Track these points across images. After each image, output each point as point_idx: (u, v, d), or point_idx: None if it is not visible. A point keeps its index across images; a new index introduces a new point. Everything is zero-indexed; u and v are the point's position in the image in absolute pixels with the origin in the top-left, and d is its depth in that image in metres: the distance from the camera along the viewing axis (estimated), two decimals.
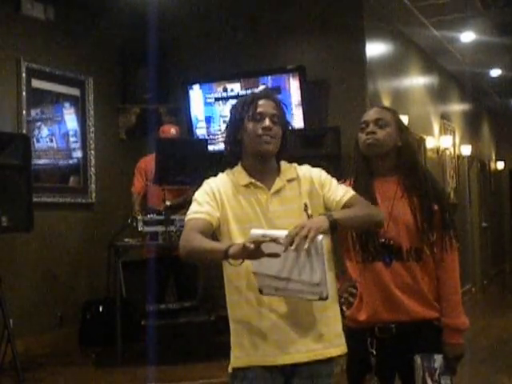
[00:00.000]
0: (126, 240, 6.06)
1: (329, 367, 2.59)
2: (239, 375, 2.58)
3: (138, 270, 6.40)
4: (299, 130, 7.07)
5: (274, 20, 7.53)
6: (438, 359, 2.64)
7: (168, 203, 6.10)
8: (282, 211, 2.59)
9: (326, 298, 2.40)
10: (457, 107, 12.00)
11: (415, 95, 9.23)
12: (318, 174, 2.71)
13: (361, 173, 2.93)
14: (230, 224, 2.58)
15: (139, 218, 5.89)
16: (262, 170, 2.64)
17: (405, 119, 7.79)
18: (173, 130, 6.77)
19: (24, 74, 6.52)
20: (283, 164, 2.70)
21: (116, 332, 5.82)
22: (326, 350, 2.57)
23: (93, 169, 7.24)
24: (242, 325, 2.59)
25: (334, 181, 2.71)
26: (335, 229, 2.46)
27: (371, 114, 2.94)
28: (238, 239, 2.50)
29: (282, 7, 7.45)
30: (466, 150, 11.81)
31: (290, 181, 2.65)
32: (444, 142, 10.33)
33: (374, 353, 2.78)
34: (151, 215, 5.97)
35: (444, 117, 10.60)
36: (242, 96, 2.95)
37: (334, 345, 2.59)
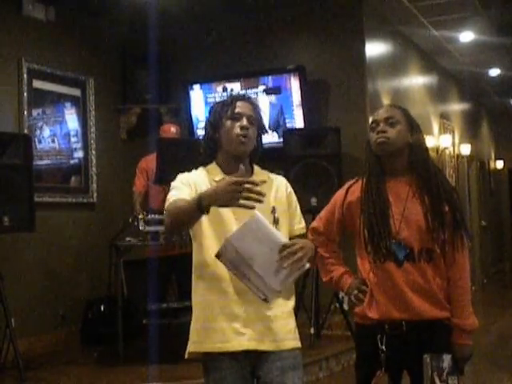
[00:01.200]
0: (128, 239, 6.04)
1: (293, 354, 2.74)
2: (208, 363, 2.73)
3: (139, 270, 6.37)
4: (299, 130, 7.08)
5: (274, 20, 7.55)
6: (447, 359, 2.63)
7: None
8: (249, 211, 2.56)
9: (267, 302, 2.61)
10: (456, 107, 12.00)
11: (415, 95, 9.23)
12: (291, 192, 2.88)
13: (373, 173, 2.92)
14: (208, 215, 2.59)
15: (140, 217, 5.88)
16: (236, 168, 2.63)
17: None
18: (173, 129, 6.77)
19: (25, 75, 6.52)
20: (256, 168, 2.86)
21: (117, 331, 5.81)
22: (293, 341, 2.75)
23: (94, 169, 7.25)
24: (200, 310, 2.73)
25: (299, 207, 2.89)
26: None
27: (381, 113, 2.93)
28: (209, 232, 2.69)
29: (282, 7, 7.45)
30: (466, 149, 11.81)
31: (261, 182, 2.69)
32: (443, 141, 10.32)
33: (384, 349, 2.78)
34: (152, 215, 5.97)
35: (443, 116, 10.60)
36: None
37: (293, 338, 2.76)
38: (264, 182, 2.77)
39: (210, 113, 2.88)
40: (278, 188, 2.84)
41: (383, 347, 2.78)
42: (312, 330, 6.33)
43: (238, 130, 2.73)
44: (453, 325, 2.84)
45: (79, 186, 7.12)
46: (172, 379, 5.30)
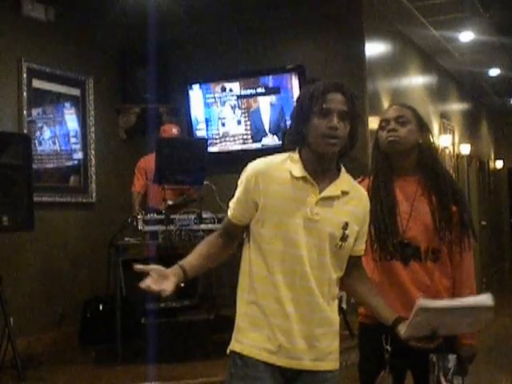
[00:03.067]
0: (127, 239, 6.03)
1: (333, 378, 2.56)
2: (239, 362, 2.52)
3: None
4: None
5: (273, 20, 7.54)
6: (452, 359, 2.63)
7: (170, 202, 6.10)
8: (323, 218, 2.46)
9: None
10: (456, 106, 12.01)
11: (414, 95, 9.23)
12: (369, 210, 2.61)
13: (381, 171, 2.91)
14: (269, 212, 2.47)
15: (139, 217, 5.87)
16: (320, 167, 2.49)
17: None
18: (174, 130, 6.77)
19: (25, 74, 6.49)
20: (343, 172, 2.57)
21: (116, 330, 5.79)
22: (329, 363, 2.54)
23: (93, 168, 7.22)
24: (251, 311, 2.51)
25: (368, 226, 2.64)
26: None
27: (391, 112, 2.92)
28: (273, 228, 2.46)
29: (281, 7, 7.45)
30: (465, 149, 11.82)
31: (343, 192, 2.50)
32: (443, 141, 10.33)
33: (389, 349, 2.77)
34: (151, 214, 5.97)
35: (443, 116, 10.60)
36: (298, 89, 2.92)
37: (334, 359, 2.56)
38: (345, 193, 2.50)
39: (297, 102, 2.54)
40: (358, 203, 2.56)
41: (388, 347, 2.76)
42: None
43: (325, 130, 2.41)
44: None
45: (78, 185, 7.10)
46: (170, 378, 5.28)
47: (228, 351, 2.56)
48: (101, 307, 6.68)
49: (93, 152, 7.24)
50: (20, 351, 5.50)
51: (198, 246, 2.61)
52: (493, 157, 15.31)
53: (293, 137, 2.54)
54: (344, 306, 6.81)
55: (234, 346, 2.54)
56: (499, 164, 15.51)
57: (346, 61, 7.27)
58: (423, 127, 2.93)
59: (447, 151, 10.64)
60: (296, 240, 2.43)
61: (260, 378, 2.46)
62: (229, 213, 2.57)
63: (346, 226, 2.48)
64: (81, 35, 7.17)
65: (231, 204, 2.56)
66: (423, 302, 2.47)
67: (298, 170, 2.47)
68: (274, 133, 7.26)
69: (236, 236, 2.60)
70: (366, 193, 2.64)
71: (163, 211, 5.94)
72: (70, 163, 7.05)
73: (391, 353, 2.76)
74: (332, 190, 2.48)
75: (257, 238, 2.50)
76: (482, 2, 7.68)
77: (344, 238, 2.48)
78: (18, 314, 5.86)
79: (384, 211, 2.83)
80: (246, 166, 2.57)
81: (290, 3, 7.40)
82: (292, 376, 2.50)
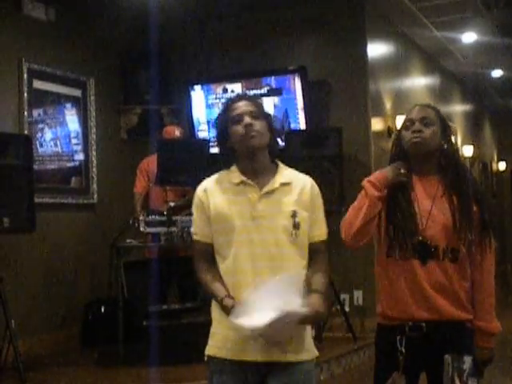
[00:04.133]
0: (128, 241, 6.02)
1: (306, 367, 2.68)
2: (214, 366, 2.68)
3: (139, 271, 6.36)
4: (300, 131, 7.06)
5: (275, 21, 7.53)
6: (468, 361, 2.62)
7: (171, 204, 6.09)
8: (270, 213, 2.64)
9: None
10: (458, 108, 11.99)
11: (417, 96, 9.19)
12: (317, 195, 2.75)
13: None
14: (217, 222, 2.67)
15: (141, 218, 5.87)
16: (256, 169, 2.69)
17: None
18: (177, 132, 6.76)
19: (25, 75, 6.47)
20: (281, 166, 2.75)
21: (118, 332, 5.79)
22: (301, 354, 2.65)
23: (94, 169, 7.20)
24: (221, 316, 2.65)
25: (322, 211, 2.76)
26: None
27: (416, 113, 2.89)
28: (228, 233, 2.63)
29: (283, 7, 7.43)
30: (468, 150, 11.80)
31: (283, 184, 2.68)
32: None
33: (403, 351, 2.75)
34: (153, 216, 5.95)
35: (446, 117, 10.56)
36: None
37: (306, 349, 2.68)
38: (287, 184, 2.68)
39: (215, 124, 2.80)
40: (302, 190, 2.70)
41: (402, 348, 2.75)
42: (313, 332, 6.26)
43: (243, 130, 2.64)
44: (476, 327, 2.83)
45: (80, 186, 7.08)
46: (172, 381, 5.29)
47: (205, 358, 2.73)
48: (102, 309, 6.66)
49: (94, 153, 7.21)
50: (21, 353, 5.48)
51: (208, 277, 2.68)
52: (496, 158, 15.28)
53: (225, 157, 2.76)
54: (347, 309, 6.80)
55: (207, 350, 2.72)
56: (502, 166, 15.48)
57: (348, 62, 7.26)
58: (446, 129, 2.92)
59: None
60: (250, 239, 2.61)
61: (230, 373, 2.63)
62: (195, 238, 2.75)
63: (294, 214, 2.63)
64: (82, 35, 7.16)
65: (194, 229, 2.76)
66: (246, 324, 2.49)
67: (236, 177, 2.69)
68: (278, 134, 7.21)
69: (212, 256, 2.72)
70: (310, 179, 2.77)
71: (165, 213, 5.92)
72: (71, 164, 7.02)
73: (405, 354, 2.75)
74: (271, 184, 2.67)
75: (217, 248, 2.69)
76: (484, 2, 7.65)
77: (296, 225, 2.63)
78: (20, 315, 5.86)
79: (403, 209, 2.82)
80: None
81: (292, 4, 7.38)
82: (265, 371, 2.61)
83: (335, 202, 6.46)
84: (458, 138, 11.38)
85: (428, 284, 2.77)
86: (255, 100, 2.75)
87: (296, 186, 2.69)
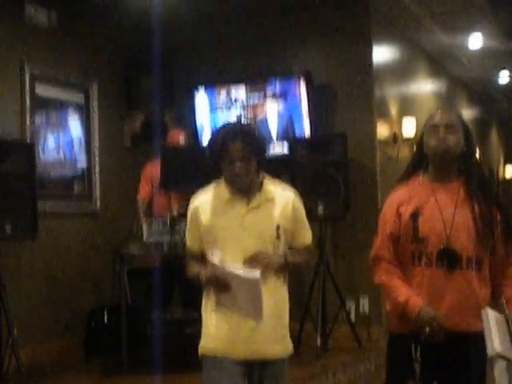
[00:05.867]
0: (132, 248, 6.00)
1: (281, 364, 3.01)
2: (206, 363, 2.99)
3: (143, 279, 6.34)
4: (305, 137, 7.01)
5: (280, 25, 7.49)
6: None
7: (174, 212, 6.05)
8: (257, 224, 2.94)
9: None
10: (465, 113, 11.89)
11: (423, 101, 9.16)
12: (298, 207, 3.04)
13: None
14: (209, 235, 2.97)
15: (144, 227, 5.84)
16: (241, 191, 2.96)
17: (412, 124, 7.73)
18: (181, 138, 6.73)
19: (27, 80, 6.45)
20: (266, 182, 3.02)
21: (122, 341, 5.78)
22: (278, 350, 2.99)
23: (97, 176, 7.16)
24: (216, 316, 2.99)
25: (305, 220, 3.09)
26: (284, 268, 2.97)
27: (441, 118, 2.87)
28: (222, 243, 2.93)
29: (288, 11, 7.40)
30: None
31: (267, 200, 2.97)
32: None
33: (419, 359, 2.73)
34: (156, 225, 5.91)
35: None
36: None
37: (286, 345, 3.04)
38: (271, 199, 2.98)
39: (208, 145, 3.02)
40: (285, 204, 2.99)
41: (418, 356, 2.73)
42: (318, 341, 6.25)
43: (231, 177, 2.92)
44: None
45: (82, 193, 7.05)
46: None
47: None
48: (106, 317, 6.59)
49: (97, 159, 7.17)
50: (24, 361, 5.48)
51: (191, 265, 3.09)
52: (502, 164, 15.20)
53: (214, 171, 2.99)
54: (353, 317, 6.74)
55: (199, 349, 3.04)
56: (510, 170, 15.40)
57: (353, 66, 7.23)
58: (469, 134, 2.91)
59: None
60: (238, 249, 2.90)
61: (220, 369, 2.91)
62: (188, 245, 3.10)
63: (278, 227, 2.94)
64: (84, 40, 7.14)
65: (186, 239, 3.11)
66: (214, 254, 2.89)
67: (225, 193, 2.98)
68: (281, 141, 7.17)
69: (202, 259, 3.03)
70: (292, 193, 3.03)
71: (168, 221, 5.88)
72: (73, 171, 6.99)
73: (421, 362, 2.73)
74: (257, 199, 2.96)
75: (208, 258, 2.93)
76: (491, 6, 7.60)
77: (279, 236, 2.94)
78: (22, 323, 5.83)
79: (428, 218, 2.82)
80: None
81: (297, 8, 7.34)
82: (252, 366, 2.95)
83: (340, 209, 6.43)
84: None
85: (450, 294, 2.75)
86: (250, 136, 2.94)
87: (279, 201, 2.98)
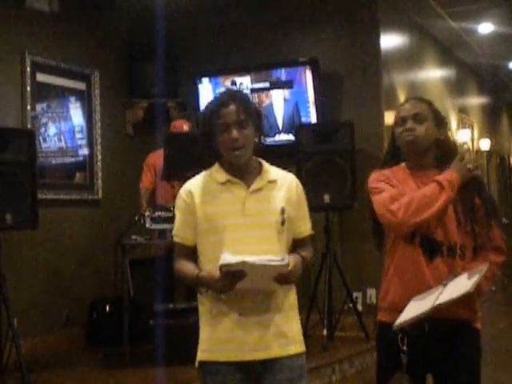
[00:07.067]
0: (134, 237, 5.94)
1: (299, 361, 2.73)
2: (206, 369, 2.70)
3: (146, 269, 6.34)
4: (311, 125, 6.95)
5: (285, 12, 7.41)
6: None
7: None
8: (259, 210, 2.68)
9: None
10: (475, 100, 11.87)
11: (432, 88, 9.10)
12: (302, 192, 2.81)
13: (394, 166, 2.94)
14: (206, 222, 2.68)
15: (147, 214, 5.78)
16: (240, 168, 2.71)
17: None
18: (185, 127, 6.67)
19: (28, 68, 6.41)
20: (265, 165, 2.78)
21: (123, 332, 5.72)
22: (290, 347, 2.69)
23: (99, 165, 7.13)
24: (212, 319, 2.69)
25: (307, 207, 2.83)
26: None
27: (408, 109, 2.88)
28: (219, 233, 2.65)
29: None
30: (485, 144, 11.69)
31: (270, 182, 2.73)
32: (462, 136, 10.24)
33: (405, 350, 2.70)
34: (159, 212, 5.86)
35: (462, 110, 10.49)
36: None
37: (297, 341, 2.74)
38: (273, 181, 2.73)
39: (200, 122, 2.78)
40: (289, 188, 2.76)
41: (404, 348, 2.70)
42: (325, 332, 6.21)
43: (229, 144, 2.66)
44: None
45: (84, 182, 7.02)
46: (180, 382, 5.21)
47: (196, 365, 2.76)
48: (108, 308, 6.66)
49: (99, 148, 7.14)
50: (24, 353, 5.41)
51: (181, 265, 2.75)
52: None
53: (208, 152, 2.76)
54: (359, 307, 6.70)
55: (198, 356, 2.75)
56: None
57: (360, 53, 7.16)
58: (440, 122, 2.90)
59: (466, 147, 10.48)
60: (238, 238, 2.63)
61: (227, 373, 2.64)
62: (176, 240, 2.78)
63: (283, 211, 2.68)
64: (86, 27, 7.10)
65: (175, 231, 2.79)
66: (223, 257, 2.52)
67: (221, 176, 2.71)
68: (287, 129, 7.10)
69: (193, 256, 2.74)
70: (294, 177, 2.82)
71: (171, 209, 5.82)
72: (75, 159, 6.96)
73: (408, 354, 2.70)
74: (258, 182, 2.71)
75: (203, 249, 2.70)
76: None
77: (283, 222, 2.68)
78: (22, 314, 5.79)
79: None
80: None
81: None
82: (260, 369, 2.65)
83: (347, 198, 6.37)
84: (474, 132, 11.25)
85: (433, 281, 2.72)
86: (243, 100, 2.71)
87: (282, 184, 2.75)
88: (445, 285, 2.64)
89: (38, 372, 5.58)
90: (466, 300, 2.65)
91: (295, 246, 2.77)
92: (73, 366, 5.94)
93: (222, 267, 2.50)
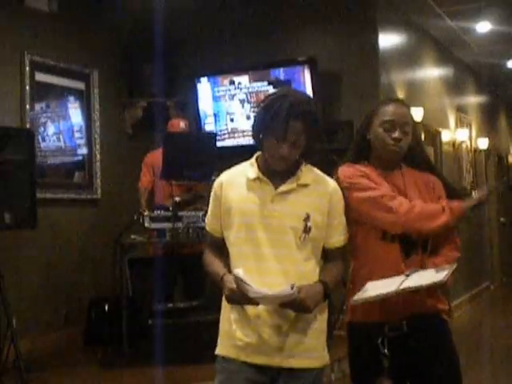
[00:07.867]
0: (133, 237, 5.95)
1: (311, 377, 2.63)
2: (222, 365, 2.66)
3: (144, 268, 6.35)
4: None
5: (283, 10, 7.41)
6: None
7: (177, 199, 6.00)
8: (281, 213, 2.58)
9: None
10: (473, 99, 11.86)
11: (430, 87, 9.11)
12: (338, 201, 2.68)
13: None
14: (227, 217, 2.65)
15: (146, 214, 5.80)
16: (279, 169, 2.63)
17: (420, 112, 7.65)
18: (182, 124, 6.66)
19: (27, 67, 6.41)
20: (304, 166, 2.67)
21: (122, 331, 5.75)
22: (306, 360, 2.61)
23: (98, 164, 7.14)
24: (237, 314, 2.63)
25: (343, 217, 2.70)
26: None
27: (399, 115, 2.81)
28: (237, 231, 2.62)
29: None
30: (483, 143, 11.68)
31: (301, 185, 2.62)
32: (460, 135, 10.22)
33: (387, 353, 2.65)
34: (158, 211, 5.87)
35: (460, 109, 10.47)
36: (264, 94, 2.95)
37: (316, 356, 2.66)
38: (305, 185, 2.62)
39: (260, 111, 2.66)
40: (322, 194, 2.64)
41: (385, 351, 2.66)
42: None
43: (276, 155, 2.57)
44: None
45: (83, 181, 7.03)
46: (179, 381, 5.23)
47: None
48: (106, 307, 6.61)
49: (98, 147, 7.15)
50: (23, 353, 5.39)
51: (211, 259, 2.75)
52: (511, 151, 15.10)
53: (254, 140, 2.68)
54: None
55: (217, 349, 2.70)
56: None
57: (359, 52, 7.16)
58: (415, 128, 2.90)
59: (464, 146, 10.48)
60: (257, 238, 2.56)
61: (236, 372, 2.59)
62: (206, 228, 2.81)
63: (307, 217, 2.57)
64: (85, 26, 7.10)
65: (206, 220, 2.80)
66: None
67: (253, 172, 2.64)
68: None
69: (222, 247, 2.73)
70: (334, 184, 2.69)
71: (170, 208, 5.83)
72: (74, 159, 6.97)
73: (390, 356, 2.67)
74: (288, 185, 2.61)
75: (227, 243, 2.68)
76: None
77: (307, 229, 2.57)
78: (21, 314, 5.78)
79: None
80: None
81: None
82: (273, 375, 2.59)
83: None
84: (472, 131, 11.25)
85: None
86: (312, 123, 2.57)
87: (315, 189, 2.64)
88: (407, 275, 2.62)
89: (36, 371, 5.56)
90: (440, 292, 2.73)
91: (326, 256, 2.70)
92: (71, 365, 5.94)
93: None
